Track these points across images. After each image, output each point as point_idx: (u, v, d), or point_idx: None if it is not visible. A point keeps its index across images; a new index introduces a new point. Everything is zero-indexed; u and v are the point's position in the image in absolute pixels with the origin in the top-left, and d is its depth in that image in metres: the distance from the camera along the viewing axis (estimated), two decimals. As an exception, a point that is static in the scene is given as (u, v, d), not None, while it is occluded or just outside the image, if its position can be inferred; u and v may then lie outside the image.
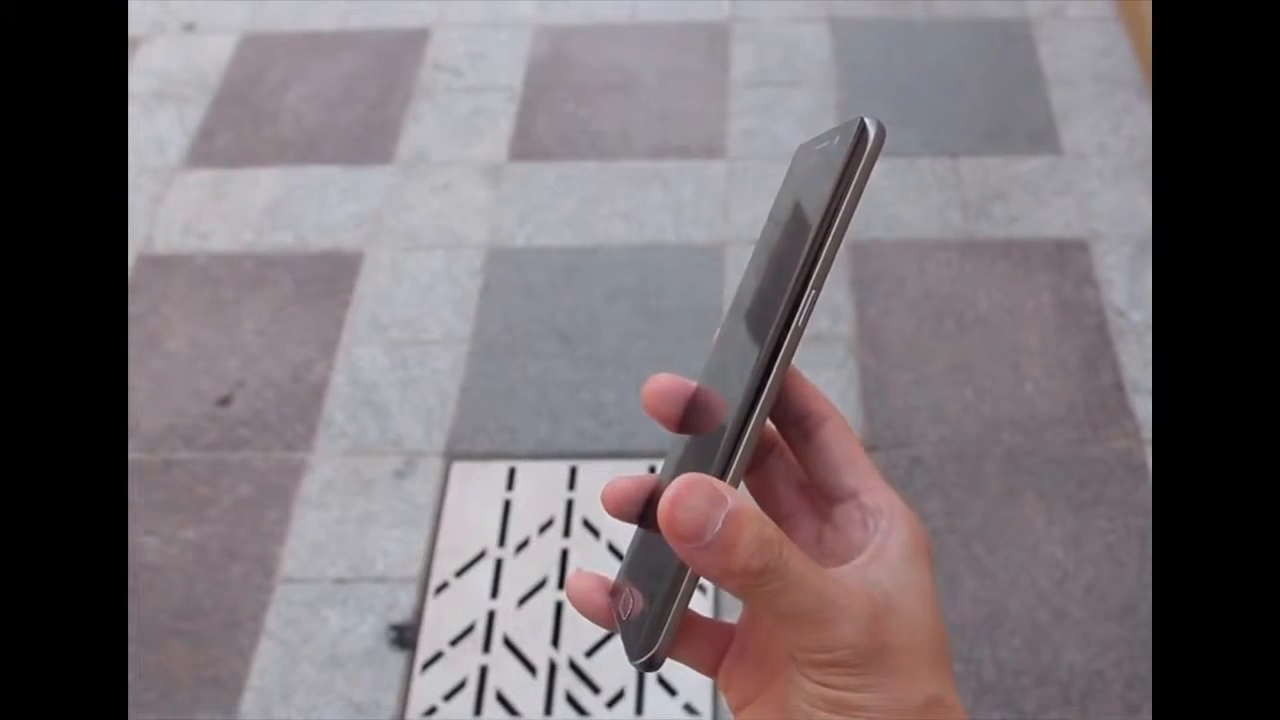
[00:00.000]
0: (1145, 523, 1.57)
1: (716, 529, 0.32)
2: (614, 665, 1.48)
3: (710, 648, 0.40)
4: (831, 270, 0.37)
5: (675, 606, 0.36)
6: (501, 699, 1.45)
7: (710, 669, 0.40)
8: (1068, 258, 1.90)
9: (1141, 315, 1.81)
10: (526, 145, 2.16)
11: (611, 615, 0.39)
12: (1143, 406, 1.69)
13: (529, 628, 1.52)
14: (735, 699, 0.39)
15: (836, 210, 0.34)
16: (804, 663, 0.34)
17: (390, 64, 2.35)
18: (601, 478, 1.63)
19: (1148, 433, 1.66)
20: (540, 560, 1.58)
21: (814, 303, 0.34)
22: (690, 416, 0.39)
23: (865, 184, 0.34)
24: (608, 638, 1.50)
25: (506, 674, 1.48)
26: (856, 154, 0.34)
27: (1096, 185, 2.02)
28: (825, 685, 0.34)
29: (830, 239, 0.34)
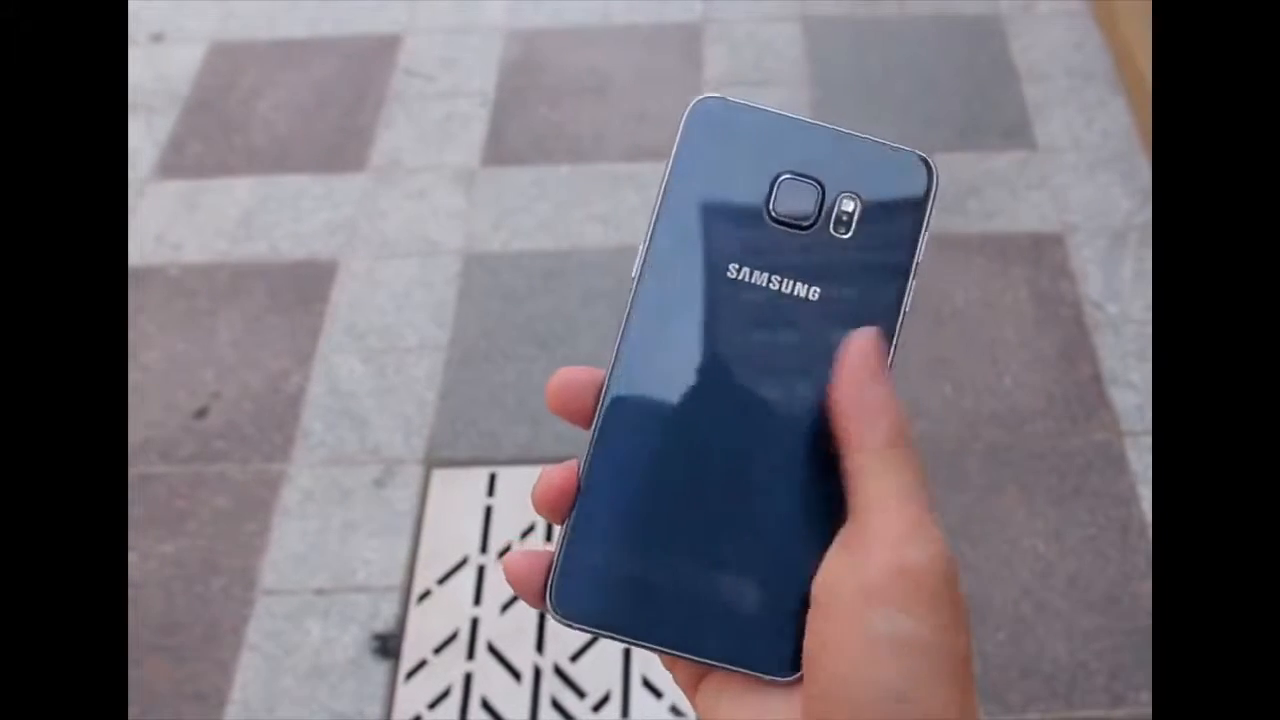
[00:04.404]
0: (1126, 514, 1.57)
1: None
2: (599, 669, 1.47)
3: None
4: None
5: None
6: (487, 706, 1.45)
7: None
8: (1043, 251, 1.91)
9: (1117, 307, 1.81)
10: (500, 150, 2.16)
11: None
12: (1121, 398, 1.70)
13: (513, 634, 1.51)
14: (683, 679, 0.37)
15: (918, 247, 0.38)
16: None
17: (361, 70, 2.34)
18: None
19: (1126, 424, 1.67)
20: (523, 566, 1.57)
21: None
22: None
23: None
24: (593, 642, 1.50)
25: (491, 681, 1.47)
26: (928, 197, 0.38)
27: (1071, 179, 2.03)
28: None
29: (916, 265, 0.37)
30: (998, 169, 2.05)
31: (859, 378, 0.35)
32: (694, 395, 0.37)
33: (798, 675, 0.34)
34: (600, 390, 0.37)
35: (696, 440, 0.37)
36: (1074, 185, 2.01)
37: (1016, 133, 2.12)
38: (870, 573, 0.32)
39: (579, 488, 0.37)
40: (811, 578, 0.35)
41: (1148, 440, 1.64)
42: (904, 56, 2.30)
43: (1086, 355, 1.75)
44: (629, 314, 0.37)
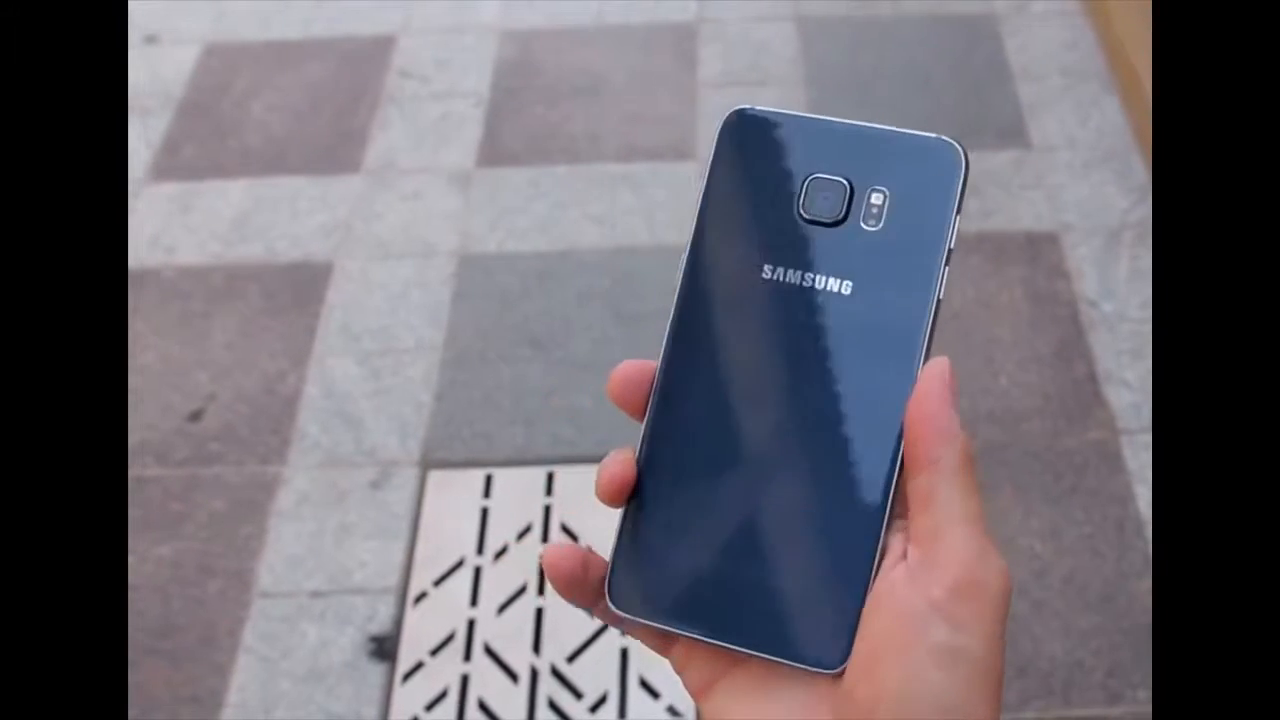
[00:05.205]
0: (1121, 512, 1.58)
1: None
2: (596, 670, 1.47)
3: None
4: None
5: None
6: (484, 707, 1.44)
7: (661, 645, 0.39)
8: (1039, 250, 1.91)
9: (1113, 306, 1.82)
10: (495, 150, 2.15)
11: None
12: (1116, 397, 1.70)
13: (509, 635, 1.51)
14: (693, 681, 0.38)
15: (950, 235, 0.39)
16: None
17: (356, 72, 2.34)
18: (578, 483, 1.62)
19: (1122, 423, 1.67)
20: (519, 567, 1.57)
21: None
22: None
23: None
24: (589, 642, 1.50)
25: (488, 682, 1.47)
26: (963, 184, 0.39)
27: (1066, 178, 2.03)
28: None
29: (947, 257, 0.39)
30: (993, 168, 2.05)
31: (935, 404, 0.36)
32: (737, 393, 0.38)
33: (842, 668, 0.35)
34: (650, 386, 0.39)
35: (741, 434, 0.38)
36: (1069, 184, 2.02)
37: (1011, 132, 2.12)
38: (937, 588, 0.33)
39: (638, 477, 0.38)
40: (864, 570, 0.36)
41: (1143, 439, 1.65)
42: (899, 56, 2.30)
43: (1082, 354, 1.76)
44: (673, 319, 0.39)
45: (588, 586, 0.38)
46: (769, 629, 0.36)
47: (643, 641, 0.39)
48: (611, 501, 0.38)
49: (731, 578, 0.37)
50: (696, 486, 0.38)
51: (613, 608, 0.37)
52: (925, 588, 0.33)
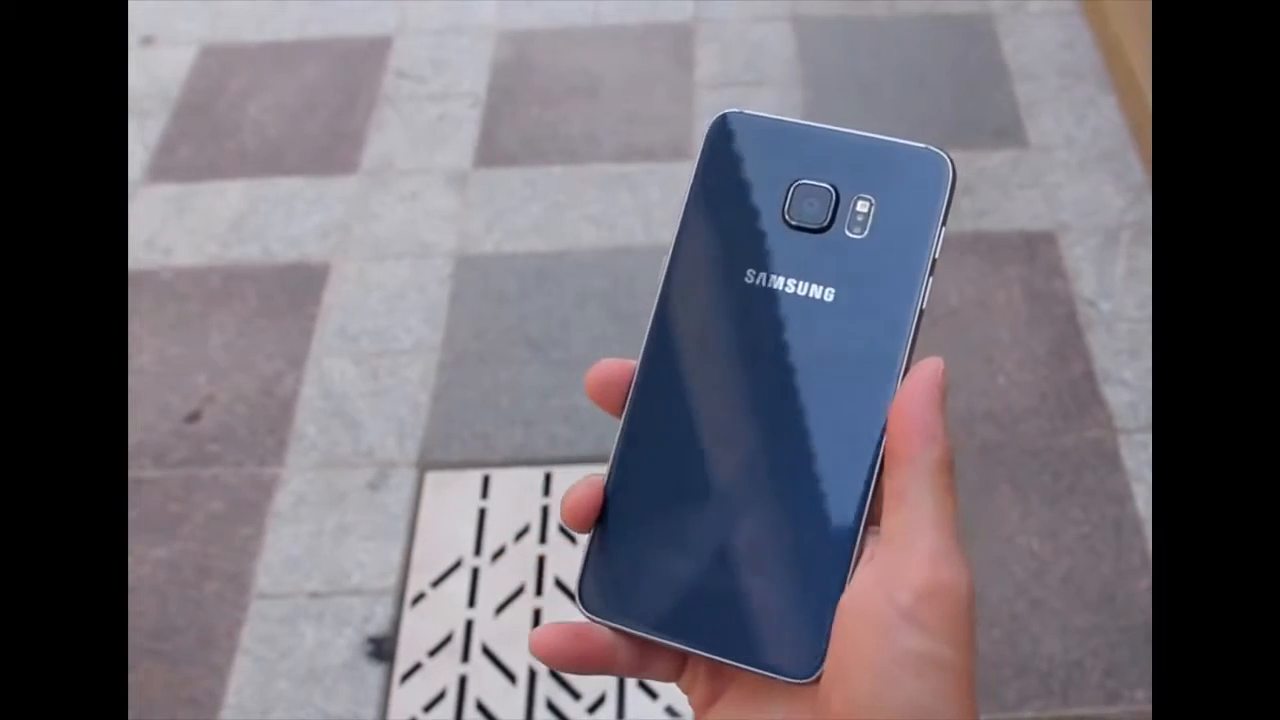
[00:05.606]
0: (1119, 511, 1.58)
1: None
2: (594, 671, 1.47)
3: (675, 656, 0.39)
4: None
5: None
6: (482, 708, 1.44)
7: (674, 673, 0.39)
8: (1036, 250, 1.91)
9: (1110, 305, 1.82)
10: (492, 151, 2.15)
11: None
12: (1114, 396, 1.70)
13: (507, 636, 1.51)
14: (697, 700, 0.38)
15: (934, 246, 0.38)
16: None
17: (352, 73, 2.33)
18: (577, 483, 1.62)
19: (1120, 422, 1.67)
20: (517, 568, 1.57)
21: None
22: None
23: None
24: (587, 643, 1.49)
25: (486, 683, 1.47)
26: (950, 196, 0.38)
27: (1063, 177, 2.03)
28: None
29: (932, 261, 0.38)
30: (990, 168, 2.05)
31: (919, 404, 0.35)
32: (714, 398, 0.38)
33: (814, 678, 0.35)
34: (628, 388, 0.39)
35: (716, 441, 0.38)
36: (1066, 184, 2.02)
37: (1008, 132, 2.12)
38: (904, 593, 0.33)
39: (606, 493, 0.38)
40: (837, 581, 0.35)
41: (1141, 438, 1.65)
42: (895, 56, 2.30)
43: (1080, 353, 1.76)
44: (653, 321, 0.39)
45: (589, 656, 0.37)
46: (744, 637, 0.36)
47: (652, 677, 0.39)
48: (577, 527, 0.38)
49: (705, 585, 0.37)
50: (671, 493, 0.38)
51: (583, 611, 0.37)
52: (892, 593, 0.33)
